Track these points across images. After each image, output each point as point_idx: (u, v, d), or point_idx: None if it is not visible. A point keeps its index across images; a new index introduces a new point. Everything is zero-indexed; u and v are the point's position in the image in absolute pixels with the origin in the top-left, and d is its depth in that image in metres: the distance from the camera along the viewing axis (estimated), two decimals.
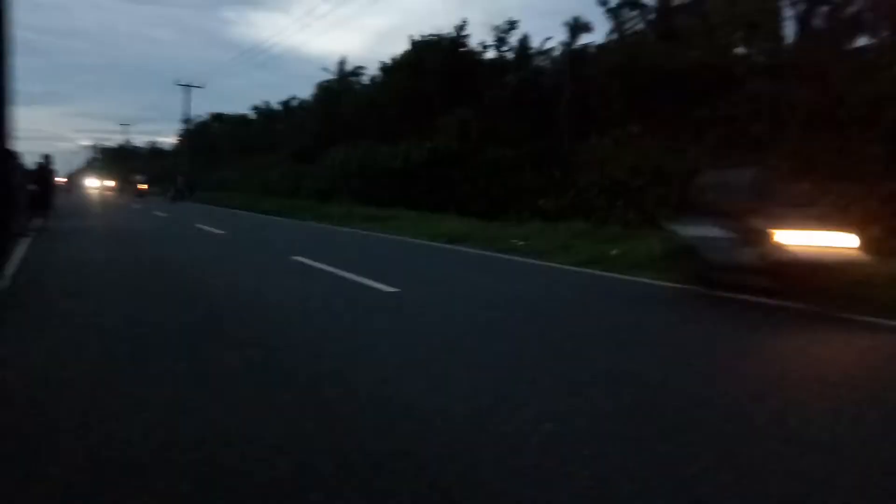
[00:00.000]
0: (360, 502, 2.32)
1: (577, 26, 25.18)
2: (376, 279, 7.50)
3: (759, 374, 4.10)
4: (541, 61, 28.02)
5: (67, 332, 4.91)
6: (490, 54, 29.53)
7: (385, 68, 33.24)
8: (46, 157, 15.17)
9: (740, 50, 20.04)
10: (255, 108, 52.17)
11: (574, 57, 24.83)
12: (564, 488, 2.44)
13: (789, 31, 18.83)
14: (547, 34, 42.04)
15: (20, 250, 9.94)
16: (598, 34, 25.60)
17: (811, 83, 15.47)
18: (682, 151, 15.91)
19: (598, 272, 8.82)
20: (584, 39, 25.46)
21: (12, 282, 7.06)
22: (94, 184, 53.12)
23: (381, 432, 2.97)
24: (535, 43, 28.24)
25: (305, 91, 64.32)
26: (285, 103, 48.09)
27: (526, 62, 28.05)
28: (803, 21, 18.64)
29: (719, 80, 18.05)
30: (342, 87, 37.98)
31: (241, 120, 54.23)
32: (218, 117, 58.00)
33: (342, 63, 39.15)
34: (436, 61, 28.55)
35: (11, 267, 7.93)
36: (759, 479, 2.55)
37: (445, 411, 3.26)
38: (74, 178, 66.09)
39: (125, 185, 46.11)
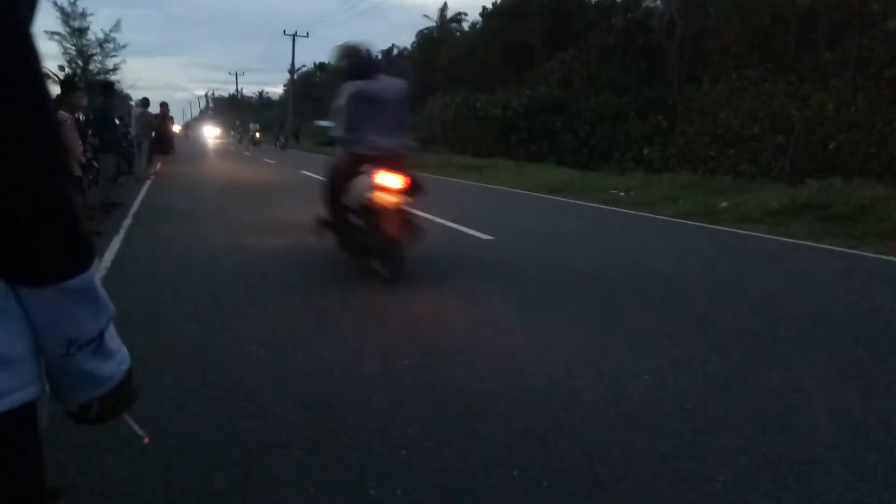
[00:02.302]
0: (454, 439, 2.35)
1: None
2: (472, 227, 7.50)
3: (876, 332, 3.79)
4: (651, 2, 26.43)
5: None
6: None
7: (486, 14, 32.55)
8: (163, 104, 15.99)
9: None
10: None
11: None
12: (662, 439, 2.38)
13: None
14: None
15: (141, 192, 10.69)
16: None
17: None
18: (805, 98, 14.65)
19: (703, 225, 8.40)
20: None
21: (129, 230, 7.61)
22: (213, 132, 51.61)
23: (474, 374, 2.99)
24: None
25: (406, 40, 64.31)
26: (386, 52, 48.29)
27: (635, 3, 26.55)
28: None
29: (852, 20, 16.36)
30: (442, 35, 37.63)
31: None
32: (322, 67, 59.12)
33: (443, 9, 38.74)
34: (539, 4, 27.58)
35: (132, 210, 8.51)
36: (879, 443, 2.37)
37: (541, 357, 3.24)
38: (191, 126, 69.69)
39: (242, 135, 44.88)
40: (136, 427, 0.85)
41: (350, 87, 4.80)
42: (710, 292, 4.77)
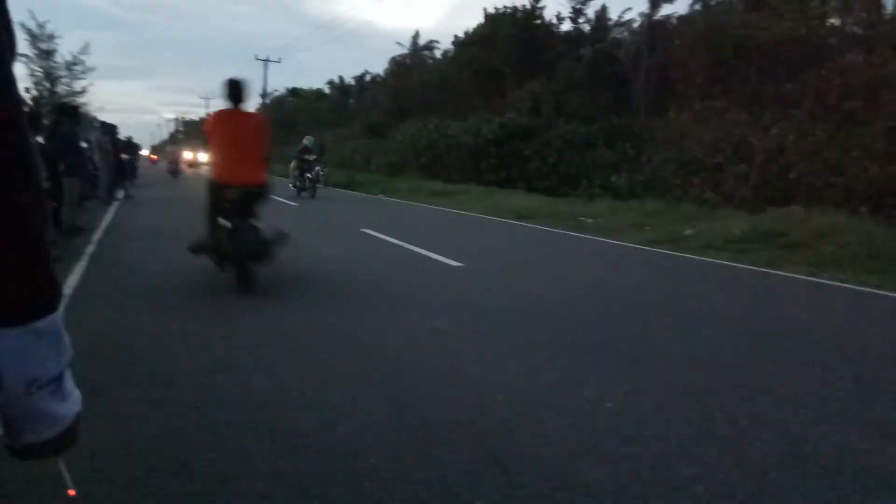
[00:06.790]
0: (418, 469, 2.35)
1: None
2: (441, 253, 7.53)
3: (836, 357, 3.89)
4: (618, 33, 27.12)
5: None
6: (565, 26, 28.84)
7: (458, 42, 33.00)
8: (110, 126, 15.57)
9: (834, 21, 18.76)
10: (330, 83, 52.97)
11: (654, 28, 23.88)
12: (623, 468, 2.40)
13: (889, 1, 17.48)
14: (626, 5, 40.78)
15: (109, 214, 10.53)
16: (681, 5, 24.63)
17: None
18: (766, 128, 15.11)
19: (668, 252, 8.56)
20: (666, 10, 24.45)
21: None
22: (189, 156, 36.73)
23: (440, 403, 3.00)
24: (613, 14, 27.39)
25: (379, 66, 64.85)
26: (359, 78, 48.58)
27: (603, 34, 27.22)
28: None
29: (810, 53, 16.99)
30: (415, 62, 38.03)
31: (316, 95, 55.17)
32: (294, 92, 59.19)
33: (415, 37, 39.24)
34: (509, 34, 28.08)
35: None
36: (830, 469, 2.44)
37: (506, 386, 3.26)
38: (166, 151, 68.25)
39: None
40: (66, 476, 0.84)
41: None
42: (672, 319, 4.86)
